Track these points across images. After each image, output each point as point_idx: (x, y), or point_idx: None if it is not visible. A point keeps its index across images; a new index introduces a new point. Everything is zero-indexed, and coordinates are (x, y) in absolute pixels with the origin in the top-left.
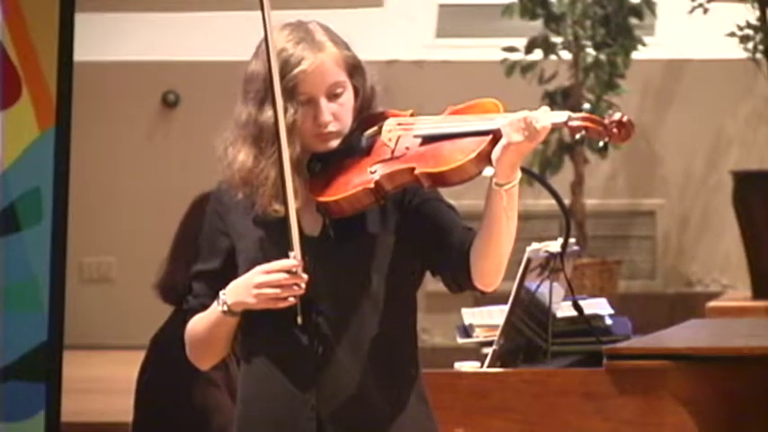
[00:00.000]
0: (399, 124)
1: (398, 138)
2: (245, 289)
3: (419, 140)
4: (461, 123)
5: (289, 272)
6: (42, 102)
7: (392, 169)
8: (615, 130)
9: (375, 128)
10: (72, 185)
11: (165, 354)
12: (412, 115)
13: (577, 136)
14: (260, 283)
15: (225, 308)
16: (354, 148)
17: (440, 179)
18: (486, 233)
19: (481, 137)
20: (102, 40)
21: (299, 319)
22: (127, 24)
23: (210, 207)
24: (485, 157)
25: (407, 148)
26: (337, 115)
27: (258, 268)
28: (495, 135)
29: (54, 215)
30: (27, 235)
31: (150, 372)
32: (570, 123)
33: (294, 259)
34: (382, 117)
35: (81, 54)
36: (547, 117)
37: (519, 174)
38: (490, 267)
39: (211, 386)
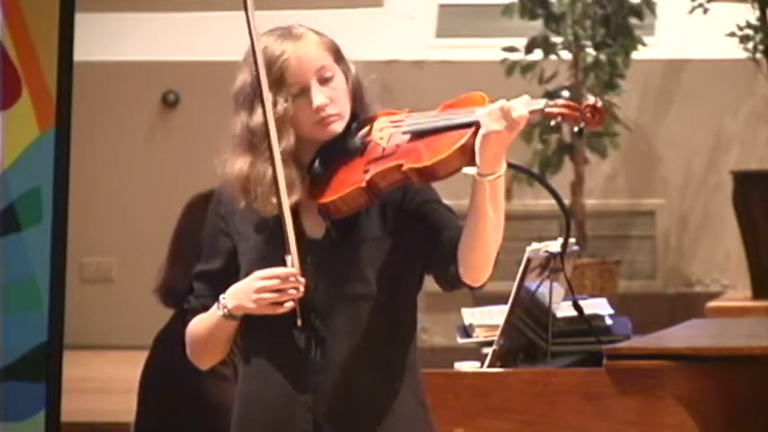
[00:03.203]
0: (391, 122)
1: (390, 136)
2: (245, 294)
3: (408, 137)
4: (446, 117)
5: (286, 277)
6: (42, 102)
7: (383, 167)
8: (589, 114)
9: (368, 127)
10: (72, 185)
11: (169, 353)
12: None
13: (552, 122)
14: (259, 288)
15: (225, 311)
16: (351, 149)
17: (426, 173)
18: (472, 225)
19: (463, 129)
20: (102, 40)
21: (299, 321)
22: (127, 24)
23: (212, 207)
24: (468, 149)
25: (397, 146)
26: (332, 98)
27: (256, 273)
28: (477, 126)
29: (54, 215)
30: (27, 235)
31: (153, 372)
32: (547, 110)
33: (291, 263)
34: (376, 118)
35: (81, 54)
36: (524, 105)
37: (504, 165)
38: (476, 261)
39: (225, 381)
